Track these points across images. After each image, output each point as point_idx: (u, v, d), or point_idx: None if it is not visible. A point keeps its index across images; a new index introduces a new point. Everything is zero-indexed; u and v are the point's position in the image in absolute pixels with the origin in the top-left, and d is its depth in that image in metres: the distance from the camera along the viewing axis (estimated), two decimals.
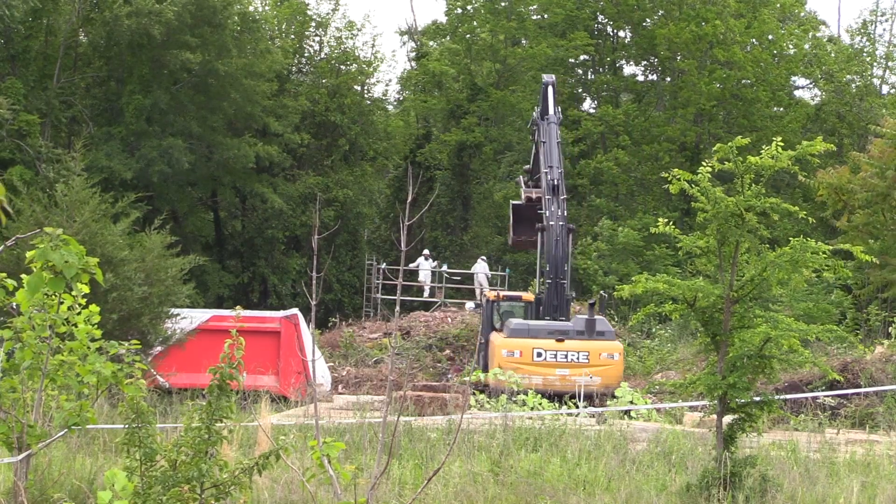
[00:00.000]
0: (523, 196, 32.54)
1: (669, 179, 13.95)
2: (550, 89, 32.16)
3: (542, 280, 29.29)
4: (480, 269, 41.34)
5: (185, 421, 8.15)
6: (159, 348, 23.33)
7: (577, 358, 25.53)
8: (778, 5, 54.19)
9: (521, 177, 34.58)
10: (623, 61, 57.96)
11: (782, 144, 13.75)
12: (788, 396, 21.96)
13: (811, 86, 56.97)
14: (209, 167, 43.29)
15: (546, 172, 29.56)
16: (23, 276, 8.71)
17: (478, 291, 40.22)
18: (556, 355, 25.47)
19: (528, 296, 29.22)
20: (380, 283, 40.45)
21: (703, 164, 13.73)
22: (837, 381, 20.34)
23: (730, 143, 13.67)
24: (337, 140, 49.80)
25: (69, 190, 21.85)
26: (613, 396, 24.46)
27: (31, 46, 41.13)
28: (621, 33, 57.57)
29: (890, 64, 55.22)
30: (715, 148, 13.81)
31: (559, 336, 25.76)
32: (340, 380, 29.33)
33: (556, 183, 29.56)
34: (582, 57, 55.86)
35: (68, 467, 12.79)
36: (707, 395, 13.89)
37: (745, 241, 13.59)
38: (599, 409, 22.47)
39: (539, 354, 25.42)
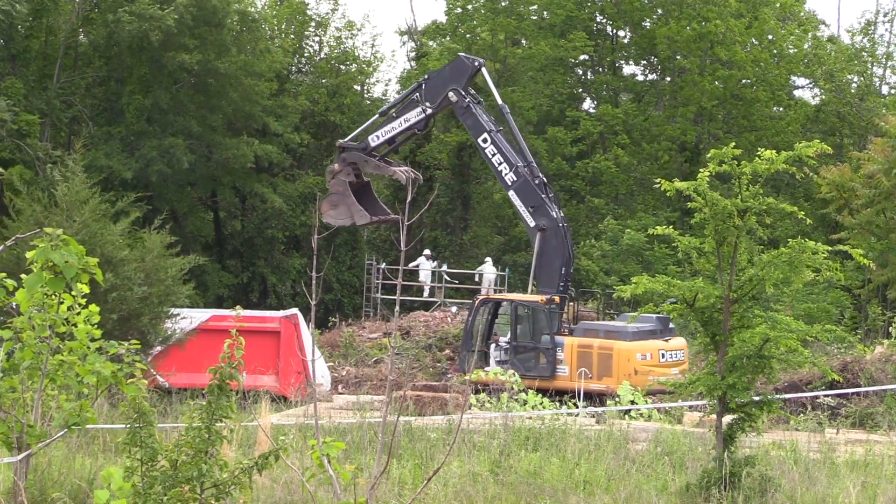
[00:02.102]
0: (402, 176, 30.63)
1: (662, 186, 14.00)
2: (486, 72, 30.12)
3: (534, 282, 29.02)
4: (489, 269, 41.14)
5: (185, 420, 8.15)
6: (159, 348, 23.34)
7: (680, 356, 26.10)
8: (778, 5, 54.19)
9: (350, 153, 30.64)
10: (623, 61, 57.98)
11: (776, 150, 13.79)
12: (788, 396, 21.95)
13: (811, 86, 57.02)
14: (209, 167, 43.30)
15: (522, 166, 28.43)
16: (23, 276, 8.71)
17: (484, 292, 40.08)
18: (669, 355, 25.83)
19: (556, 298, 28.95)
20: (379, 283, 40.42)
21: (701, 170, 13.75)
22: (837, 381, 20.33)
23: (724, 149, 13.69)
24: (336, 140, 49.78)
25: (69, 190, 21.84)
26: (614, 396, 24.45)
27: (31, 46, 41.17)
28: (621, 33, 57.60)
29: (890, 64, 55.24)
30: (710, 154, 13.83)
31: (663, 336, 25.90)
32: (340, 380, 29.31)
33: (546, 180, 29.24)
34: (582, 57, 55.86)
35: (68, 467, 12.79)
36: (707, 395, 13.89)
37: (742, 241, 13.61)
38: (599, 409, 22.47)
39: (663, 356, 25.63)
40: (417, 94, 29.87)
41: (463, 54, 32.09)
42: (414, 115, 29.78)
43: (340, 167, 30.60)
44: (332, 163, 31.82)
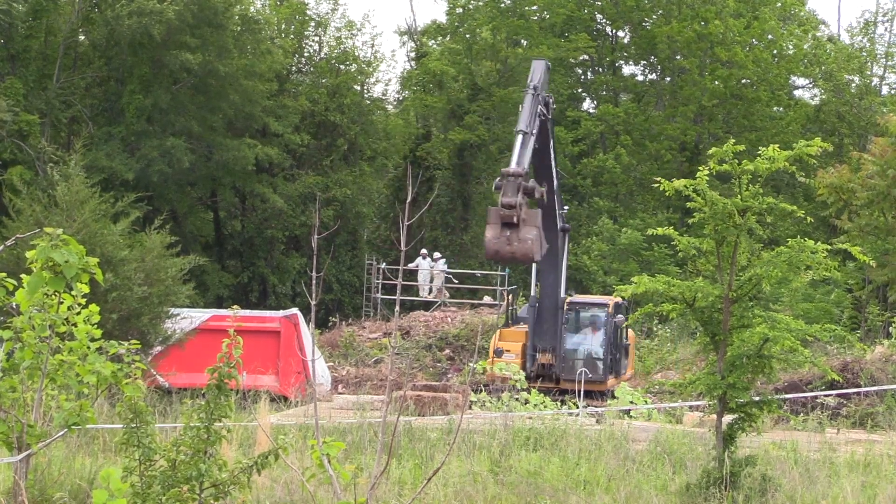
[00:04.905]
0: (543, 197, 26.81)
1: (661, 186, 14.01)
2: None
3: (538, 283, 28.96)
4: (442, 266, 41.02)
5: (184, 420, 8.15)
6: (159, 348, 23.33)
7: None
8: (778, 4, 54.19)
9: (523, 180, 25.07)
10: (622, 61, 57.99)
11: (778, 148, 13.78)
12: (788, 396, 21.98)
13: (810, 85, 57.00)
14: (209, 167, 43.30)
15: (554, 172, 27.85)
16: (23, 276, 8.71)
17: (439, 292, 40.03)
18: None
19: None
20: (379, 283, 40.44)
21: (700, 168, 13.74)
22: (837, 381, 20.34)
23: (725, 147, 13.68)
24: (336, 140, 49.80)
25: (69, 190, 21.84)
26: (613, 396, 24.46)
27: (31, 46, 41.13)
28: (620, 33, 57.62)
29: (889, 64, 55.21)
30: (710, 152, 13.83)
31: None
32: (340, 380, 29.33)
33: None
34: (582, 57, 55.86)
35: (68, 467, 12.79)
36: (707, 395, 13.89)
37: (742, 241, 13.61)
38: (599, 409, 22.49)
39: None
40: (541, 106, 26.53)
41: (542, 60, 29.18)
42: (538, 130, 26.47)
43: (523, 199, 25.61)
44: (505, 194, 25.46)
